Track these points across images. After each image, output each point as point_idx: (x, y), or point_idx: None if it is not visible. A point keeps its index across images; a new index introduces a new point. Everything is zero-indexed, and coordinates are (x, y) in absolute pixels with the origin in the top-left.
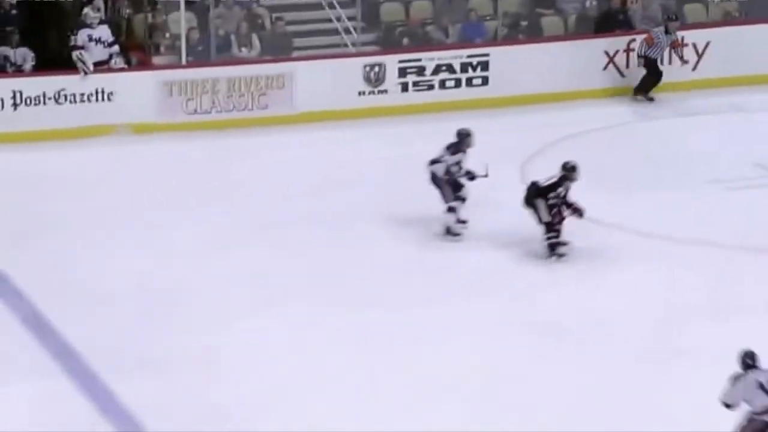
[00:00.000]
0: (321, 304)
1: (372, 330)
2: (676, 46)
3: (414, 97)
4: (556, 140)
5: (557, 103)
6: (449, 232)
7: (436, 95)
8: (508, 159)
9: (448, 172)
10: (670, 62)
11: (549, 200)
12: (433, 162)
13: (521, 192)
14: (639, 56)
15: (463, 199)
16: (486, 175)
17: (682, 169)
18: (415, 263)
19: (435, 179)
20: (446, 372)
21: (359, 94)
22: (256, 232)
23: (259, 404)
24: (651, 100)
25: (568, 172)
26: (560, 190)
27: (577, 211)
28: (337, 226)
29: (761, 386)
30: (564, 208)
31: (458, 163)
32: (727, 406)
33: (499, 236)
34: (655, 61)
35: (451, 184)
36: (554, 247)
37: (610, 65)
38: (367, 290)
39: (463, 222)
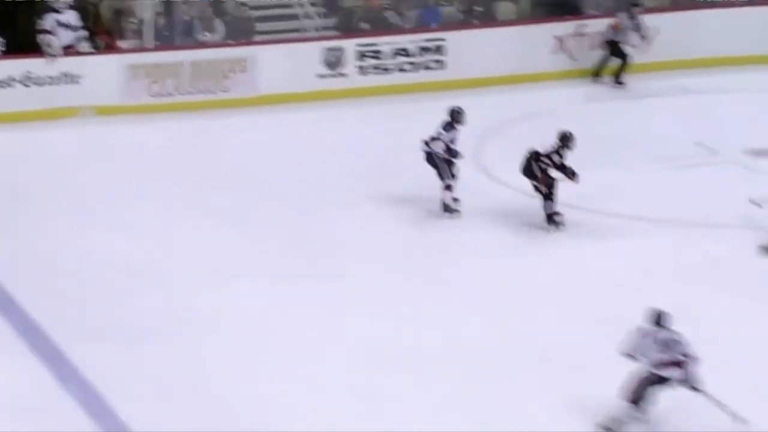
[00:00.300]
0: (290, 279)
1: (345, 303)
2: (640, 30)
3: (372, 80)
4: (510, 121)
5: (511, 85)
6: (447, 209)
7: (394, 78)
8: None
9: (447, 149)
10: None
11: (541, 163)
12: (433, 140)
13: (476, 171)
14: (606, 41)
15: (456, 176)
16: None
17: (628, 149)
18: (399, 240)
19: (432, 157)
20: (421, 346)
21: (319, 77)
22: (223, 211)
23: (229, 377)
24: (622, 84)
25: (564, 140)
26: (555, 157)
27: (572, 174)
28: (303, 203)
29: (658, 342)
30: (553, 171)
31: (453, 141)
32: (628, 356)
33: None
34: (619, 44)
35: (446, 162)
36: (552, 218)
37: (561, 49)
38: (339, 266)
39: (457, 199)
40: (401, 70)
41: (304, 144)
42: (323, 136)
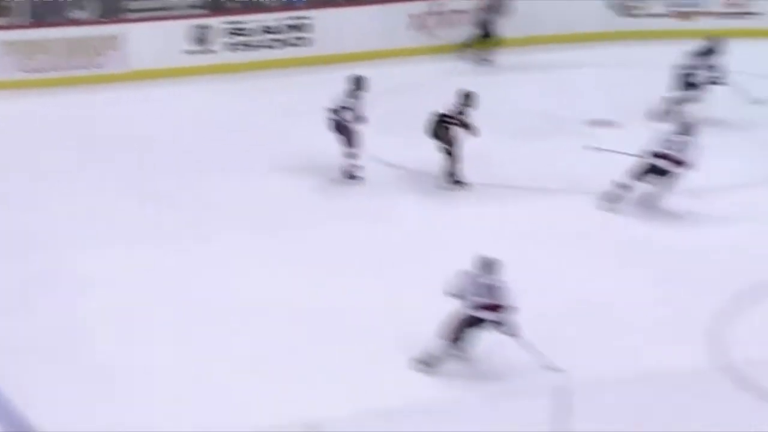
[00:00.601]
0: (176, 246)
1: (226, 268)
2: (507, 9)
3: (240, 56)
4: (376, 95)
5: (374, 60)
6: (351, 176)
7: (261, 55)
8: (319, 110)
9: (357, 117)
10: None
11: (445, 123)
12: (342, 108)
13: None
14: (478, 22)
15: (361, 144)
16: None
17: (491, 121)
18: (304, 208)
19: (340, 125)
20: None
21: (188, 53)
22: (101, 182)
23: (103, 340)
24: (488, 60)
25: (466, 99)
26: (459, 115)
27: (472, 129)
28: (191, 174)
29: (479, 286)
30: (457, 129)
31: (360, 108)
32: (452, 296)
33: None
34: (488, 22)
35: (353, 130)
36: (455, 177)
37: (421, 26)
38: (232, 234)
39: (360, 166)
40: (268, 47)
41: (182, 118)
42: (199, 109)
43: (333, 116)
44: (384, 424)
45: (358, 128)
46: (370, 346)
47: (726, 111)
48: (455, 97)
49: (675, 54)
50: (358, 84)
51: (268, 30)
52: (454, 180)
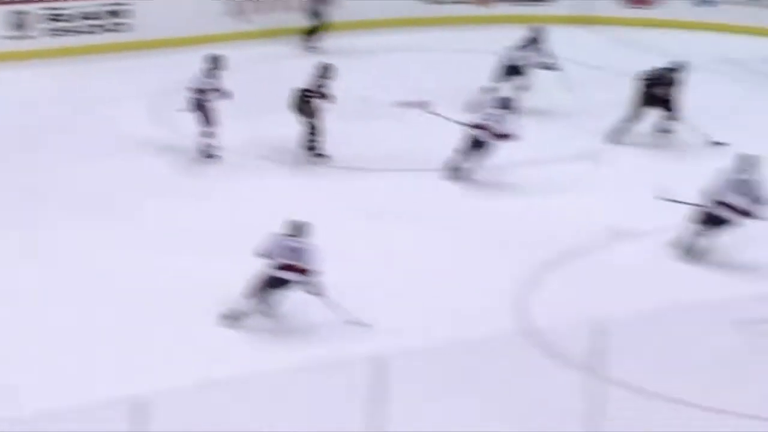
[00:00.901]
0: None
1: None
2: None
3: (60, 42)
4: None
5: (195, 46)
6: (209, 155)
7: (82, 40)
8: (141, 95)
9: (222, 94)
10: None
11: (306, 97)
12: (203, 87)
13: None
14: (307, 8)
15: (217, 123)
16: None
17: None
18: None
19: (201, 104)
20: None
21: (7, 39)
22: None
23: None
24: (315, 46)
25: (324, 71)
26: (318, 88)
27: (330, 98)
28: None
29: (285, 248)
30: (318, 101)
31: (220, 86)
32: (260, 256)
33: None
34: (317, 10)
35: (211, 109)
36: (314, 148)
37: (238, 12)
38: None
39: (217, 146)
40: (89, 32)
41: (2, 104)
42: (20, 95)
43: (194, 95)
44: (207, 396)
45: (217, 107)
46: (206, 318)
47: (544, 95)
48: (314, 70)
49: (483, 39)
50: (215, 63)
51: (87, 16)
52: (315, 153)
